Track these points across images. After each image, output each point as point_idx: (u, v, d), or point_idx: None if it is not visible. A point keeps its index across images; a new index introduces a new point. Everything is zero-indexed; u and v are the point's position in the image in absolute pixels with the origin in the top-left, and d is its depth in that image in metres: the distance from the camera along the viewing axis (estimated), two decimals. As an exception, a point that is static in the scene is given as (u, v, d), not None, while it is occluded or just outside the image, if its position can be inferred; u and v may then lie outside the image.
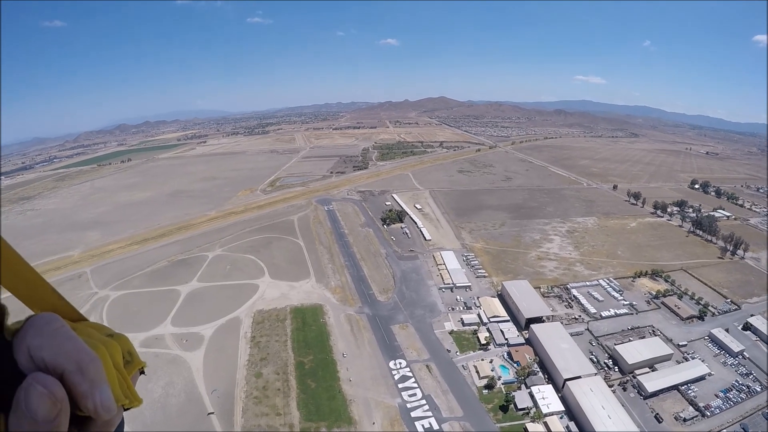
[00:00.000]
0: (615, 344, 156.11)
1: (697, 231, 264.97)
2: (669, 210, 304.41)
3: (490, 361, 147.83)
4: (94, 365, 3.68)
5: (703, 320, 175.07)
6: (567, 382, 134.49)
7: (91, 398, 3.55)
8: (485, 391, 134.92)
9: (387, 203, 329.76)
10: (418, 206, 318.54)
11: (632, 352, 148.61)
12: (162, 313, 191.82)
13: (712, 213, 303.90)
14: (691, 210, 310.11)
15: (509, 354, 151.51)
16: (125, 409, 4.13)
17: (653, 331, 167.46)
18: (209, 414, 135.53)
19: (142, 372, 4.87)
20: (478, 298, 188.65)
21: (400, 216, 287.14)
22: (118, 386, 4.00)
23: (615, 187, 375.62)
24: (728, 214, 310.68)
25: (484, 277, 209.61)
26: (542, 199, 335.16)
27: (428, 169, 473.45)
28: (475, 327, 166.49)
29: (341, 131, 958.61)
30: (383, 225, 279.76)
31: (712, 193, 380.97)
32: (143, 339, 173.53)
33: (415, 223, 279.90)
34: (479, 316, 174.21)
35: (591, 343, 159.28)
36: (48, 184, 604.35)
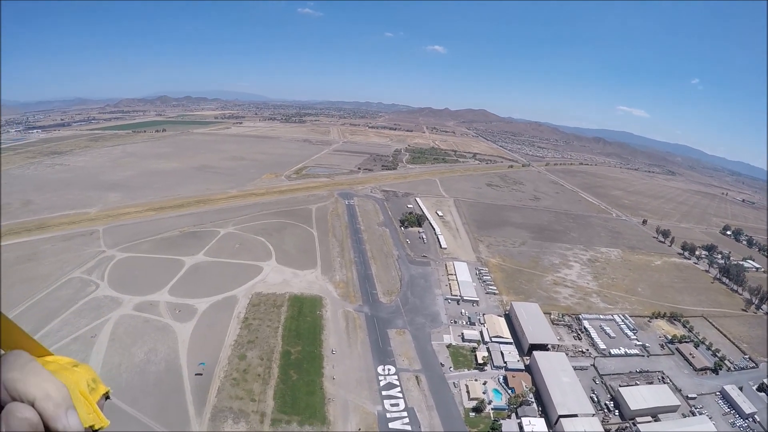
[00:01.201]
0: (620, 386, 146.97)
1: (724, 279, 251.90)
2: (697, 253, 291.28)
3: (484, 383, 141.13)
4: (61, 392, 4.46)
5: (717, 374, 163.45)
6: (561, 419, 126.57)
7: (60, 421, 4.22)
8: (472, 414, 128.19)
9: (409, 206, 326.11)
10: (440, 213, 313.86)
11: (637, 397, 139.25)
12: (162, 281, 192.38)
13: (741, 262, 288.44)
14: (719, 256, 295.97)
15: (505, 378, 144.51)
16: (94, 431, 4.80)
17: (663, 377, 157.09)
18: (197, 375, 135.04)
19: (107, 397, 5.69)
20: (483, 314, 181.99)
21: (419, 220, 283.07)
22: (84, 410, 4.76)
23: (645, 221, 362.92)
24: (758, 266, 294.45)
25: (494, 294, 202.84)
26: (568, 224, 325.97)
27: (457, 178, 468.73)
28: (475, 344, 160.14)
29: (377, 130, 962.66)
30: (401, 227, 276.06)
31: (744, 242, 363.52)
32: (138, 303, 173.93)
33: (434, 229, 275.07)
34: (481, 333, 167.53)
35: (594, 381, 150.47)
36: (82, 142, 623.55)
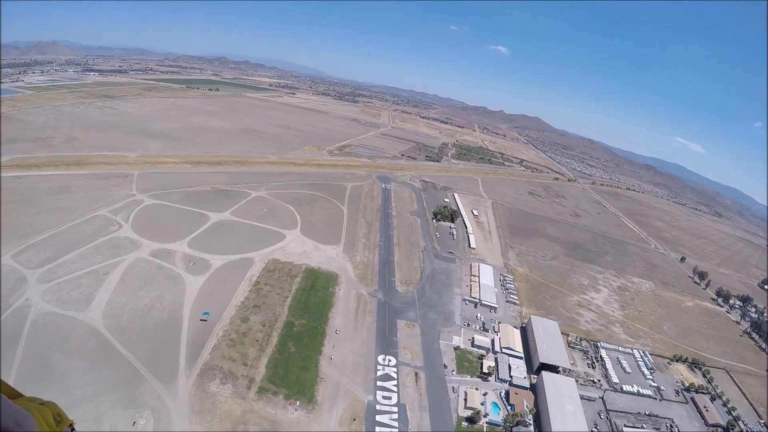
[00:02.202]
0: (625, 426, 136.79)
1: (754, 334, 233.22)
2: (731, 301, 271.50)
3: (484, 394, 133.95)
4: (29, 422, 5.34)
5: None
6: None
7: None
8: (465, 424, 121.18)
9: (445, 200, 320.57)
10: (476, 212, 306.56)
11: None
12: (183, 232, 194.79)
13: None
14: (753, 309, 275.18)
15: (507, 394, 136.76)
16: None
17: (671, 426, 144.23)
18: (201, 320, 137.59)
19: (72, 428, 6.57)
20: (499, 323, 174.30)
21: (453, 215, 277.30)
22: None
23: (683, 259, 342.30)
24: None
25: (515, 304, 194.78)
26: (604, 246, 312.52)
27: (499, 181, 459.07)
28: (484, 352, 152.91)
29: (428, 121, 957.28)
30: (433, 219, 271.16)
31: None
32: (155, 249, 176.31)
33: (466, 227, 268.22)
34: (493, 342, 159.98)
35: (600, 415, 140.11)
36: (135, 90, 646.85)
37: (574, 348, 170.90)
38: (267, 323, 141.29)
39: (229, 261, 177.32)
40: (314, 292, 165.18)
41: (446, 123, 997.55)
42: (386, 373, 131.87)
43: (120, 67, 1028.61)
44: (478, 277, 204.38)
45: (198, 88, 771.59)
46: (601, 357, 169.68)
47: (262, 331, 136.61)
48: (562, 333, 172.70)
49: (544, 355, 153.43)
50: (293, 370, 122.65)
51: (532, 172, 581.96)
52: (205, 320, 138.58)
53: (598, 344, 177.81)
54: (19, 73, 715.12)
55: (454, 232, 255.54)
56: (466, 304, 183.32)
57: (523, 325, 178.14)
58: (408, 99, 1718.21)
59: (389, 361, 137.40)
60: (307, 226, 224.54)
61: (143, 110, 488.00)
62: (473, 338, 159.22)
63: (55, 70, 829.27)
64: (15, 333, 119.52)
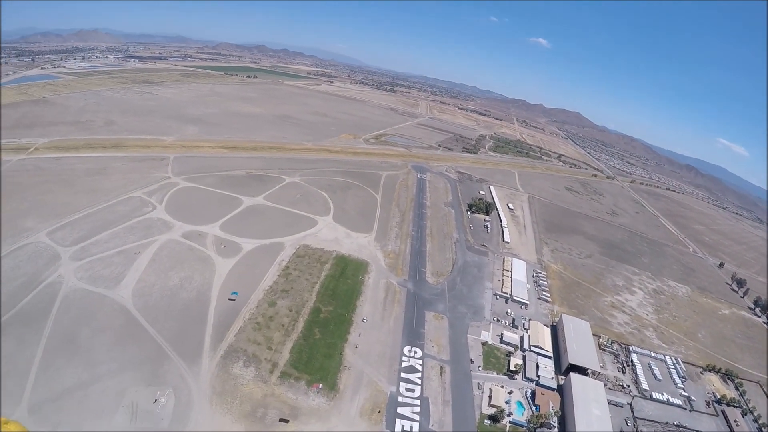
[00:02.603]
0: None
1: None
2: None
3: (509, 392, 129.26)
4: None
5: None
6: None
7: None
8: (487, 422, 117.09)
9: (481, 192, 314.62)
10: (511, 206, 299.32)
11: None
12: (216, 215, 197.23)
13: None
14: None
15: (533, 393, 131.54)
16: None
17: None
18: (230, 299, 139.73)
19: None
20: (529, 320, 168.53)
21: (488, 208, 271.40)
22: None
23: (721, 264, 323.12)
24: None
25: (546, 301, 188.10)
26: (641, 247, 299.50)
27: (536, 175, 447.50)
28: (512, 349, 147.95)
29: (466, 113, 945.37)
30: (467, 211, 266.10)
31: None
32: (188, 231, 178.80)
33: (501, 220, 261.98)
34: (522, 339, 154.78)
35: (627, 422, 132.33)
36: (174, 76, 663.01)
37: (604, 350, 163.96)
38: (294, 308, 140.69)
39: (260, 245, 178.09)
40: (343, 280, 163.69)
41: (484, 115, 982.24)
42: (411, 365, 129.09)
43: (160, 54, 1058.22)
44: (511, 272, 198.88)
45: (236, 75, 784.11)
46: (632, 362, 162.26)
47: (288, 316, 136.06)
48: (593, 334, 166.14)
49: (573, 356, 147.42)
50: (317, 357, 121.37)
51: (570, 167, 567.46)
52: (234, 300, 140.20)
53: (630, 348, 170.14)
54: (61, 59, 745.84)
55: (489, 225, 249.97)
56: (497, 298, 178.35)
57: (554, 324, 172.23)
58: (446, 90, 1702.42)
59: (415, 352, 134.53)
60: (340, 213, 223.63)
61: (181, 96, 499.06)
62: (502, 334, 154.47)
63: (96, 56, 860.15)
64: (45, 308, 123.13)
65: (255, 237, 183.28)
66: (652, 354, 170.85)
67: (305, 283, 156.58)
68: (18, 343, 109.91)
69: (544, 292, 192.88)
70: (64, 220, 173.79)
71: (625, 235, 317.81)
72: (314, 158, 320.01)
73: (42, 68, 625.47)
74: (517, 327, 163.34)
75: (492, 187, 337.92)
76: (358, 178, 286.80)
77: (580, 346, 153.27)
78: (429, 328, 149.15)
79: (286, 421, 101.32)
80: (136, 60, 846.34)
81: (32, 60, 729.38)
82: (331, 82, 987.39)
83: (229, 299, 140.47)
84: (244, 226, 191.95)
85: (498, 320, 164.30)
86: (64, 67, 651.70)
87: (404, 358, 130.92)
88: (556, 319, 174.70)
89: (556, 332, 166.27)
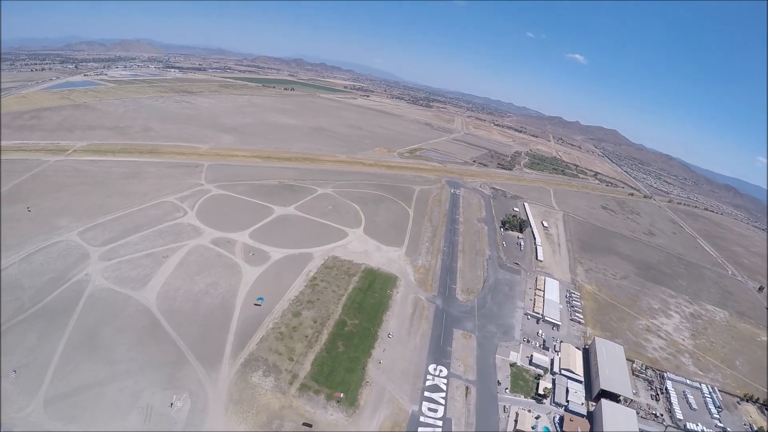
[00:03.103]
0: None
1: None
2: None
3: (537, 417, 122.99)
4: None
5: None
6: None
7: None
8: None
9: (515, 209, 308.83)
10: (545, 224, 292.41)
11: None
12: (246, 223, 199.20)
13: None
14: None
15: (561, 420, 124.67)
16: None
17: None
18: (255, 304, 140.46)
19: None
20: (561, 342, 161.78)
21: (521, 225, 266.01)
22: None
23: (761, 288, 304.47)
24: None
25: (579, 323, 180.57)
26: (677, 269, 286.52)
27: (572, 193, 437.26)
28: (541, 372, 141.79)
29: (501, 129, 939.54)
30: (501, 228, 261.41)
31: None
32: (217, 237, 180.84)
33: (534, 238, 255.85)
34: (552, 362, 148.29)
35: None
36: (212, 86, 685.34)
37: (638, 376, 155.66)
38: (319, 320, 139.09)
39: (289, 254, 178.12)
40: (371, 293, 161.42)
41: (520, 132, 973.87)
42: (435, 384, 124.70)
43: (200, 65, 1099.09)
44: (543, 291, 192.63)
45: (274, 87, 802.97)
46: (666, 389, 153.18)
47: (312, 328, 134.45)
48: (627, 359, 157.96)
49: (605, 382, 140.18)
50: (339, 371, 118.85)
51: (607, 185, 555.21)
52: (259, 305, 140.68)
53: (665, 374, 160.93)
54: (104, 68, 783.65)
55: (522, 243, 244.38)
56: (528, 318, 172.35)
57: (586, 347, 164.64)
58: (482, 106, 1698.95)
59: (440, 371, 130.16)
60: (371, 226, 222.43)
61: (219, 106, 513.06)
62: (532, 356, 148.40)
63: (138, 66, 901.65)
64: (70, 305, 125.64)
65: (284, 246, 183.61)
66: (688, 381, 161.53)
67: (332, 294, 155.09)
68: (40, 336, 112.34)
69: (577, 314, 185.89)
70: (97, 221, 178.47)
71: (662, 257, 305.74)
72: (347, 170, 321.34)
73: (85, 75, 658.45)
74: (547, 349, 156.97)
75: (526, 204, 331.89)
76: (391, 191, 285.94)
77: (613, 371, 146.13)
78: (456, 346, 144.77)
79: (309, 425, 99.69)
80: (177, 70, 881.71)
81: (75, 67, 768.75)
82: (368, 96, 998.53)
83: (255, 304, 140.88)
84: (274, 235, 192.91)
85: (528, 341, 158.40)
86: (106, 74, 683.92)
87: (429, 377, 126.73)
88: (589, 341, 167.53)
89: (588, 356, 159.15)
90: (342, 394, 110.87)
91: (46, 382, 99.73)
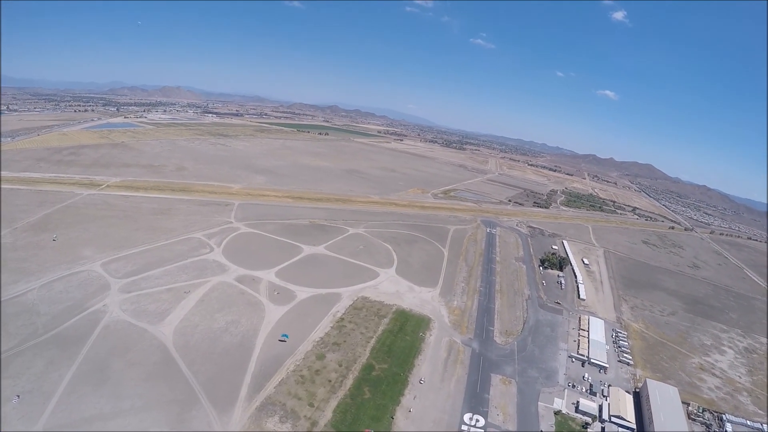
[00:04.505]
0: None
1: None
2: None
3: None
4: None
5: None
6: None
7: None
8: None
9: (554, 247, 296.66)
10: (586, 261, 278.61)
11: None
12: (273, 261, 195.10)
13: None
14: None
15: None
16: None
17: None
18: (280, 340, 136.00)
19: None
20: (609, 386, 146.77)
21: (561, 263, 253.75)
22: None
23: None
24: None
25: (628, 364, 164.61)
26: (727, 302, 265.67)
27: (611, 229, 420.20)
28: (589, 419, 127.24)
29: (536, 168, 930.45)
30: (540, 266, 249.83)
31: None
32: (241, 275, 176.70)
33: (576, 276, 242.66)
34: (600, 408, 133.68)
35: None
36: (248, 131, 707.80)
37: (695, 420, 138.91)
38: (344, 363, 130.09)
39: (316, 294, 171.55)
40: (402, 336, 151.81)
41: (555, 171, 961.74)
42: None
43: (237, 111, 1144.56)
44: (588, 331, 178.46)
45: (308, 132, 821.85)
46: None
47: (337, 372, 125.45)
48: (682, 401, 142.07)
49: (660, 427, 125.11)
50: (363, 419, 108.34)
51: (646, 220, 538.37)
52: (284, 341, 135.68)
53: (723, 416, 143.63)
54: (144, 111, 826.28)
55: (563, 281, 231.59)
56: (572, 361, 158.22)
57: (637, 390, 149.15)
58: (516, 147, 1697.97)
59: (477, 421, 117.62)
60: (404, 266, 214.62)
61: (253, 149, 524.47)
62: (578, 402, 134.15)
63: (177, 110, 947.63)
64: (84, 334, 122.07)
65: (311, 286, 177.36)
66: (748, 423, 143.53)
67: (360, 337, 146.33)
68: (49, 363, 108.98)
69: (625, 354, 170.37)
70: (121, 254, 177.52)
71: (710, 289, 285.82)
72: (380, 211, 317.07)
73: (125, 117, 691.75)
74: (594, 394, 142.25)
75: (565, 242, 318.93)
76: (424, 231, 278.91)
77: (668, 416, 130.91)
78: (494, 393, 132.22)
79: None
80: (214, 115, 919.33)
81: (117, 109, 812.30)
82: (401, 140, 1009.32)
83: (280, 340, 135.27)
84: (301, 274, 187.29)
85: (573, 386, 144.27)
86: (146, 117, 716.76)
87: (463, 427, 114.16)
88: (639, 384, 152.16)
89: (639, 400, 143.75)
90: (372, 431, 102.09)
91: (48, 410, 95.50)
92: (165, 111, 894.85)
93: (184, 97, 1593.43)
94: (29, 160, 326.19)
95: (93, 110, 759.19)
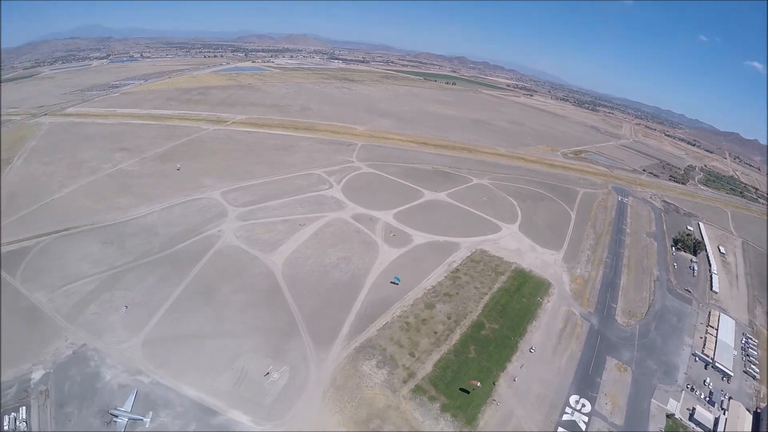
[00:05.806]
0: None
1: None
2: None
3: None
4: None
5: None
6: None
7: None
8: None
9: (689, 228, 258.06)
10: (722, 250, 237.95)
11: None
12: (392, 203, 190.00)
13: None
14: None
15: None
16: None
17: None
18: (391, 282, 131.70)
19: None
20: (729, 398, 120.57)
21: (695, 247, 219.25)
22: None
23: None
24: None
25: (754, 377, 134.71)
26: None
27: (752, 219, 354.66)
28: None
29: (672, 140, 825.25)
30: (672, 246, 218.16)
31: None
32: (359, 213, 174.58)
33: (710, 265, 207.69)
34: (716, 422, 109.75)
35: None
36: (374, 77, 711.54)
37: None
38: (453, 317, 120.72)
39: (433, 241, 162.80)
40: (518, 297, 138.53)
41: (693, 145, 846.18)
42: (573, 420, 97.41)
43: (363, 58, 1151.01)
44: (717, 330, 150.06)
45: (435, 81, 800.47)
46: None
47: (444, 324, 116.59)
48: None
49: None
50: (464, 379, 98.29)
51: None
52: (396, 284, 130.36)
53: None
54: (271, 56, 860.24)
55: (695, 267, 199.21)
56: (696, 360, 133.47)
57: (758, 411, 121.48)
58: (652, 115, 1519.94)
59: (583, 405, 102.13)
60: (527, 224, 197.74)
61: (378, 93, 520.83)
62: (694, 409, 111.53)
63: (303, 56, 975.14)
64: (197, 256, 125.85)
65: (429, 231, 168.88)
66: None
67: (473, 291, 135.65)
68: (159, 280, 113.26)
69: (752, 365, 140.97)
70: (241, 184, 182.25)
71: None
72: (506, 164, 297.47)
73: (253, 62, 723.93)
74: (713, 404, 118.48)
75: (701, 224, 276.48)
76: (552, 190, 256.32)
77: None
78: (607, 378, 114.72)
79: None
80: (340, 61, 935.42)
81: (245, 55, 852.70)
82: (531, 95, 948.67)
83: (391, 282, 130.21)
84: (420, 218, 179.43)
85: (692, 389, 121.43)
86: (273, 62, 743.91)
87: (568, 410, 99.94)
88: (762, 404, 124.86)
89: (758, 422, 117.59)
90: (479, 383, 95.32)
91: (151, 323, 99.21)
92: (292, 57, 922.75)
93: (310, 45, 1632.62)
94: (160, 99, 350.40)
95: (222, 56, 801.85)
